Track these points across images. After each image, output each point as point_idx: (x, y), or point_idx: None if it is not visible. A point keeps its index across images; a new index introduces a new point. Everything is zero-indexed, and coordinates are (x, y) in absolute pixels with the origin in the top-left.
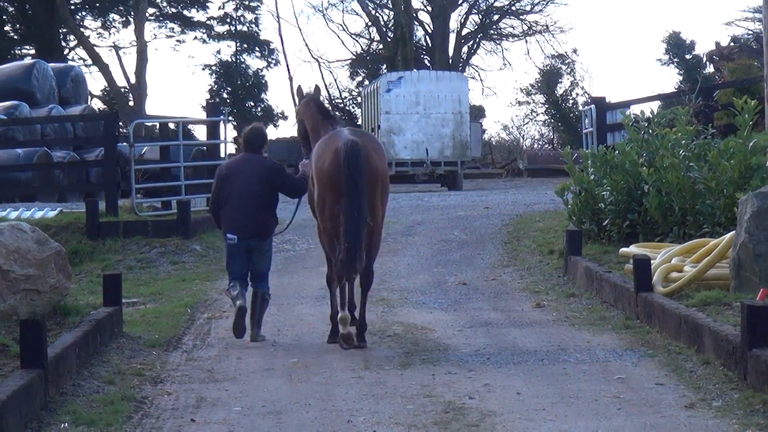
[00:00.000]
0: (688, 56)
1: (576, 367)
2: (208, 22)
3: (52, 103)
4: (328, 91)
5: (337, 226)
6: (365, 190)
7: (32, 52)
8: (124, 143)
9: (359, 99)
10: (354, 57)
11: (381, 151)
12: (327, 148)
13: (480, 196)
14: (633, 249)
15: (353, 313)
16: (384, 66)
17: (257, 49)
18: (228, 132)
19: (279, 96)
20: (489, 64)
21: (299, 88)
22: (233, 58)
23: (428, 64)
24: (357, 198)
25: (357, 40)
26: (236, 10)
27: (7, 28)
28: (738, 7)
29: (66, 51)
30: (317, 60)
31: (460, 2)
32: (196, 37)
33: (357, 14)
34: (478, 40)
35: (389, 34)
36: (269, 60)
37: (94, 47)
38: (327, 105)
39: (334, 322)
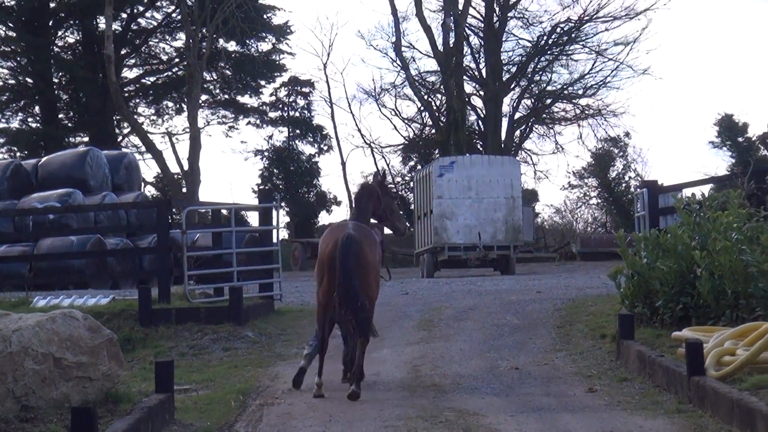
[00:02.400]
0: (740, 139)
1: None
2: (261, 108)
3: (105, 191)
4: None
5: (327, 301)
6: (356, 273)
7: (86, 139)
8: (177, 230)
9: (411, 184)
10: (406, 142)
11: (373, 245)
12: (331, 236)
13: (532, 280)
14: (685, 333)
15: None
16: (436, 150)
17: (310, 134)
18: (281, 218)
19: (332, 181)
20: (541, 147)
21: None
22: (286, 144)
23: (480, 149)
24: (347, 278)
25: (410, 125)
26: (288, 96)
27: (61, 116)
28: None
29: (119, 138)
30: (370, 145)
31: (512, 86)
32: (249, 123)
33: (410, 99)
34: (530, 124)
35: (442, 118)
36: (322, 145)
37: (148, 134)
38: (367, 198)
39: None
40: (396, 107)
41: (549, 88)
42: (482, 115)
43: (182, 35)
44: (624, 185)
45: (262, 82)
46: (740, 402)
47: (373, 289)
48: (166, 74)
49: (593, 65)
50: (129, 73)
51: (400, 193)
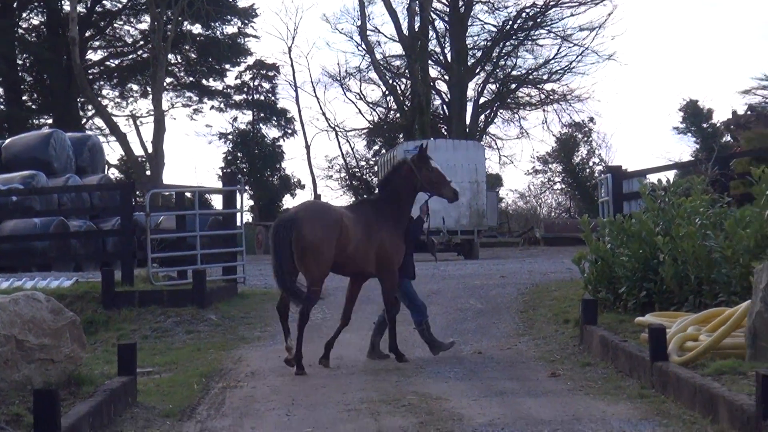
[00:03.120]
0: (705, 125)
1: None
2: (225, 91)
3: (69, 173)
4: (345, 160)
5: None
6: (282, 255)
7: (50, 121)
8: (141, 212)
9: (376, 168)
10: (371, 126)
11: (314, 223)
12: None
13: (496, 265)
14: (648, 318)
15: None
16: (401, 135)
17: (274, 118)
18: (244, 201)
19: (296, 165)
20: (506, 132)
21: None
22: (250, 127)
23: (445, 133)
24: (277, 259)
25: (374, 109)
26: (253, 79)
27: (24, 97)
28: (755, 75)
29: (84, 120)
30: (334, 129)
31: (477, 71)
32: (213, 106)
33: (375, 83)
34: (495, 108)
35: (407, 103)
36: (286, 129)
37: (112, 117)
38: (400, 178)
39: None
40: (361, 91)
41: (514, 73)
42: (447, 100)
43: (147, 18)
44: (588, 170)
45: (227, 66)
46: (703, 387)
47: (314, 269)
48: (130, 57)
49: (558, 50)
50: (93, 56)
51: (364, 176)
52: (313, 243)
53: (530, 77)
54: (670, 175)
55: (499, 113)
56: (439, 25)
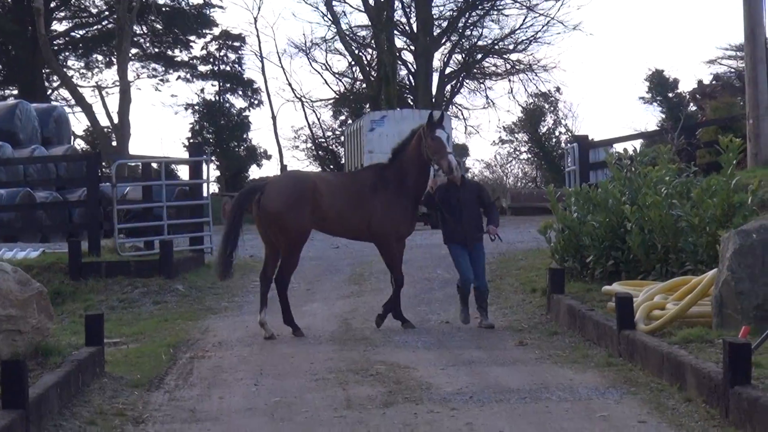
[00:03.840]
0: (670, 94)
1: (558, 405)
2: (191, 62)
3: (35, 144)
4: (311, 131)
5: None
6: (236, 224)
7: (15, 92)
8: (107, 183)
9: (342, 138)
10: (337, 96)
11: (276, 194)
12: None
13: None
14: (615, 287)
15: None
16: (367, 105)
17: (240, 88)
18: (211, 171)
19: (262, 135)
20: (472, 102)
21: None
22: (217, 98)
23: (411, 103)
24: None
25: (340, 80)
26: (219, 50)
27: None
28: (720, 45)
29: (49, 91)
30: (300, 99)
31: (443, 41)
32: (179, 77)
33: (340, 54)
34: (461, 78)
35: (373, 73)
36: (252, 99)
37: (77, 87)
38: (414, 142)
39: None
40: (327, 62)
41: (480, 43)
42: (413, 70)
43: None
44: (554, 140)
45: (193, 37)
46: (670, 355)
47: (282, 239)
48: (95, 27)
49: (524, 20)
50: (58, 26)
51: (330, 147)
52: (273, 213)
53: (496, 47)
54: (637, 144)
55: (465, 83)
56: None
